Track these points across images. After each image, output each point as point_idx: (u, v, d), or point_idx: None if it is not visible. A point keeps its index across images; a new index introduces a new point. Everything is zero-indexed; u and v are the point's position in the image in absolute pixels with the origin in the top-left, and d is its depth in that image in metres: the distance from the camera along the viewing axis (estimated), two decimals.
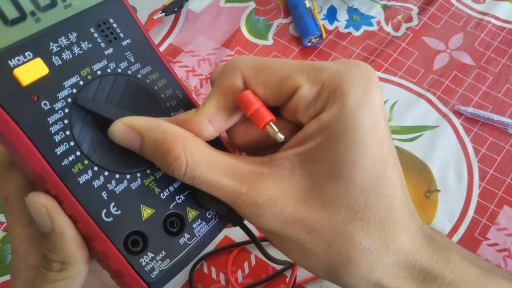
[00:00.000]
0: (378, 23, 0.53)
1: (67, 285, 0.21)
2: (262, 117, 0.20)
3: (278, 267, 0.38)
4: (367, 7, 0.55)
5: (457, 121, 0.46)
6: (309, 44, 0.51)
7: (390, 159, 0.19)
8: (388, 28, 0.53)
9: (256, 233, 0.26)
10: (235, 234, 0.40)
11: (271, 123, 0.20)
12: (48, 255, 0.20)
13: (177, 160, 0.19)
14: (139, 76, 0.23)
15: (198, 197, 0.22)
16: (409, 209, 0.20)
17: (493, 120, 0.45)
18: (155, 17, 0.52)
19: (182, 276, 0.38)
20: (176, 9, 0.53)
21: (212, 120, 0.20)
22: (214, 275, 0.38)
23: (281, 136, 0.20)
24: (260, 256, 0.39)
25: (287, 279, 0.37)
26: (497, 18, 0.54)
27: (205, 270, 0.38)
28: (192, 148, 0.19)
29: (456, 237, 0.40)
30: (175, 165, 0.19)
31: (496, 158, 0.44)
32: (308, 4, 0.52)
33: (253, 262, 0.39)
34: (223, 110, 0.20)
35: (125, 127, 0.20)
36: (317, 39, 0.51)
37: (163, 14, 0.52)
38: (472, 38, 0.52)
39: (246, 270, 0.38)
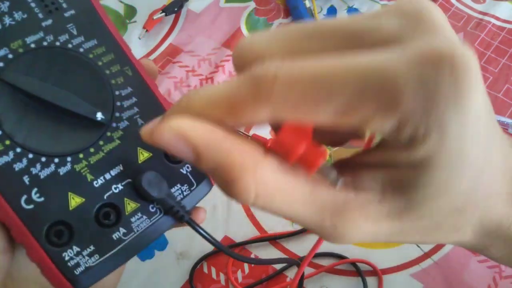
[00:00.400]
0: None
1: None
2: (311, 159, 0.15)
3: (278, 267, 0.38)
4: (367, 7, 0.55)
5: None
6: None
7: (487, 156, 0.16)
8: None
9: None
10: (235, 233, 0.40)
11: (323, 167, 0.16)
12: None
13: (245, 191, 0.14)
14: (81, 50, 0.21)
15: (138, 186, 0.20)
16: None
17: None
18: (155, 17, 0.52)
19: (183, 276, 0.38)
20: (176, 9, 0.53)
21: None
22: (214, 275, 0.38)
23: (337, 181, 0.16)
24: (260, 255, 0.39)
25: (288, 279, 0.37)
26: (497, 18, 0.54)
27: (205, 270, 0.38)
28: (264, 177, 0.15)
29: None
30: (240, 196, 0.15)
31: None
32: (308, 4, 0.52)
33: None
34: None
35: (176, 135, 0.15)
36: None
37: (163, 14, 0.52)
38: (472, 38, 0.52)
39: (246, 270, 0.38)
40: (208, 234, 0.22)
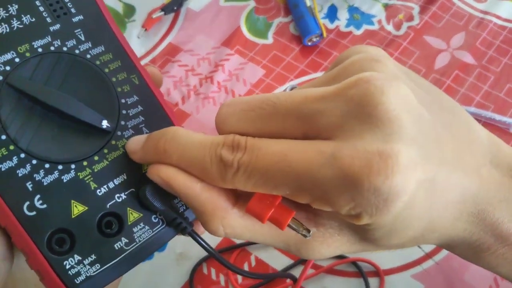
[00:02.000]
0: (379, 22, 0.53)
1: None
2: (279, 221, 0.18)
3: (279, 268, 0.38)
4: (368, 5, 0.54)
5: None
6: (309, 43, 0.51)
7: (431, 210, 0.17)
8: (389, 27, 0.53)
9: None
10: None
11: (291, 222, 0.18)
12: None
13: (215, 232, 0.18)
14: (88, 56, 0.21)
15: (142, 197, 0.20)
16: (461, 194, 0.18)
17: (494, 120, 0.45)
18: (154, 16, 0.51)
19: (182, 277, 0.38)
20: (175, 8, 0.53)
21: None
22: (214, 276, 0.38)
23: (307, 234, 0.18)
24: (260, 257, 0.38)
25: (287, 280, 0.37)
26: (499, 17, 0.53)
27: (205, 271, 0.38)
28: (232, 222, 0.18)
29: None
30: (211, 232, 0.18)
31: None
32: (308, 3, 0.51)
33: (253, 263, 0.38)
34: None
35: (162, 181, 0.18)
36: (317, 38, 0.50)
37: (162, 13, 0.52)
38: (473, 37, 0.52)
39: None
40: (210, 247, 0.22)
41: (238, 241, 0.39)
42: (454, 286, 0.37)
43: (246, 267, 0.38)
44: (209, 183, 0.18)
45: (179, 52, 0.50)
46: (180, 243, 0.39)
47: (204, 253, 0.38)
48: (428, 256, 0.38)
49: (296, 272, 0.37)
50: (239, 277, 0.38)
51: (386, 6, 0.54)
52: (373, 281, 0.37)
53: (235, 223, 0.18)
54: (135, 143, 0.20)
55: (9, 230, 0.19)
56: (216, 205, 0.18)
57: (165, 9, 0.52)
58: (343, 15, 0.53)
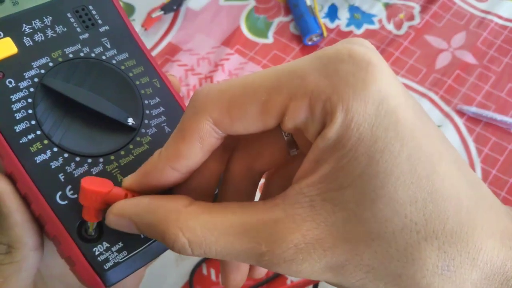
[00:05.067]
0: (380, 21, 0.53)
1: (12, 270, 0.20)
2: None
3: None
4: (368, 5, 0.54)
5: (459, 121, 0.46)
6: (310, 43, 0.50)
7: (432, 150, 0.15)
8: (390, 27, 0.52)
9: None
10: None
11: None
12: None
13: (177, 242, 0.16)
14: (114, 62, 0.23)
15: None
16: (487, 202, 0.16)
17: (496, 120, 0.45)
18: (153, 15, 0.51)
19: (182, 278, 0.37)
20: (175, 7, 0.52)
21: (175, 166, 0.18)
22: (213, 277, 0.38)
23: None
24: None
25: (288, 281, 0.37)
26: (500, 17, 0.53)
27: (205, 272, 0.38)
28: (189, 223, 0.16)
29: None
30: (177, 247, 0.16)
31: (499, 158, 0.44)
32: (308, 2, 0.51)
33: None
34: (186, 155, 0.18)
35: (116, 217, 0.18)
36: (318, 38, 0.50)
37: (162, 12, 0.51)
38: (474, 37, 0.51)
39: None
40: None
41: None
42: None
43: None
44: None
45: (178, 51, 0.50)
46: None
47: None
48: None
49: None
50: None
51: (387, 6, 0.54)
52: None
53: (193, 223, 0.16)
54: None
55: (43, 218, 0.20)
56: (167, 208, 0.17)
57: (165, 8, 0.52)
58: (343, 15, 0.53)
